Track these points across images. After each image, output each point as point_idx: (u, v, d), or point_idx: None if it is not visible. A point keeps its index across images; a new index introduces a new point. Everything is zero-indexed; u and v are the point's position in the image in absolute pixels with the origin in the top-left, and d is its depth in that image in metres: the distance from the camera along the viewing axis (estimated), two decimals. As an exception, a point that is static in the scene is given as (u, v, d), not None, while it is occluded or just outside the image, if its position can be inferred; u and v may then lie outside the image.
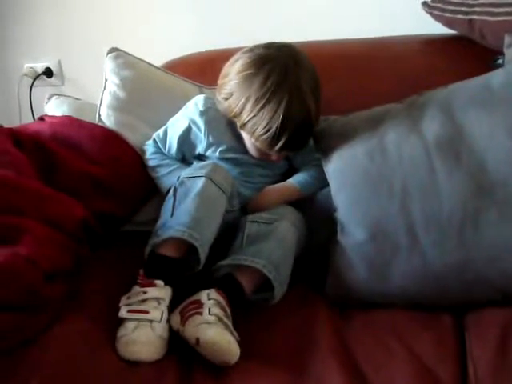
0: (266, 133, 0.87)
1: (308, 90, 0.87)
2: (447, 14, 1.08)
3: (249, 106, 0.87)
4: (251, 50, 0.91)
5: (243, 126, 0.90)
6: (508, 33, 0.97)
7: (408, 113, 0.89)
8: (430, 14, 1.12)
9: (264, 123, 0.86)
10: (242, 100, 0.88)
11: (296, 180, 0.99)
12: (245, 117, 0.88)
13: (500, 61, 0.99)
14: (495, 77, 0.87)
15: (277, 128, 0.85)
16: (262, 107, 0.86)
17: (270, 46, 0.90)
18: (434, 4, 1.11)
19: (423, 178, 0.81)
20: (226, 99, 0.92)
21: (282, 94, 0.85)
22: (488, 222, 0.77)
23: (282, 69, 0.86)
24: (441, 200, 0.79)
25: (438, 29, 1.14)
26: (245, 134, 0.93)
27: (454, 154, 0.81)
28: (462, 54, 1.10)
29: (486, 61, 1.02)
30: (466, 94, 0.87)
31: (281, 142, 0.87)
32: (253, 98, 0.86)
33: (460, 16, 1.06)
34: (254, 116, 0.87)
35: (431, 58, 1.13)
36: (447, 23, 1.10)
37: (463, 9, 1.06)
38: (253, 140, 0.91)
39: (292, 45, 0.92)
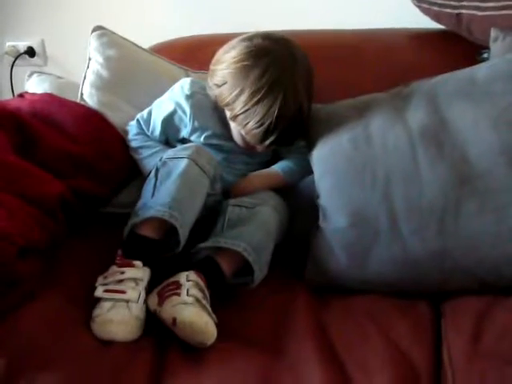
0: (257, 128, 0.85)
1: (303, 88, 0.86)
2: (435, 8, 1.09)
3: (243, 99, 0.85)
4: (250, 39, 0.89)
5: (234, 117, 0.88)
6: (494, 27, 0.98)
7: (393, 102, 0.89)
8: (419, 7, 1.13)
9: (257, 118, 0.85)
10: (236, 91, 0.86)
11: (280, 167, 0.98)
12: (238, 109, 0.87)
13: (485, 55, 1.00)
14: (480, 70, 0.88)
15: (269, 124, 0.84)
16: (257, 102, 0.84)
17: (268, 38, 0.88)
18: (422, -3, 1.12)
19: (406, 167, 0.82)
20: (219, 86, 0.90)
21: (278, 91, 0.84)
22: (468, 212, 0.78)
23: (280, 64, 0.85)
24: (422, 189, 0.80)
25: (427, 22, 1.14)
26: (234, 125, 0.91)
27: (437, 144, 0.82)
28: (449, 48, 1.11)
29: (473, 55, 1.04)
30: (451, 85, 0.88)
31: (271, 138, 0.87)
32: (248, 91, 0.85)
33: (448, 10, 1.07)
34: (248, 110, 0.85)
35: (419, 52, 1.14)
36: (435, 17, 1.11)
37: (452, 3, 1.06)
38: (242, 132, 0.89)
39: (290, 39, 0.90)
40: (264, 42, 0.88)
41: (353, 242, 0.82)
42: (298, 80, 0.86)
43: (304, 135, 0.93)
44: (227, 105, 0.89)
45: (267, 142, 0.88)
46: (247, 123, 0.86)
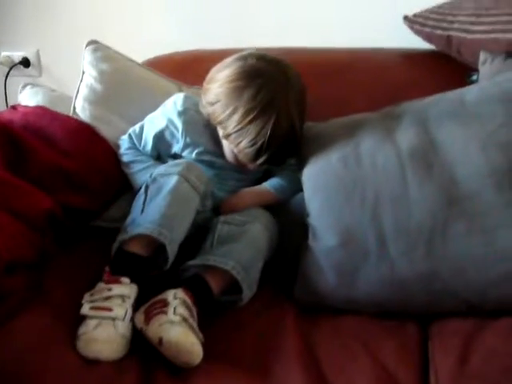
0: (250, 147, 0.86)
1: (295, 109, 0.87)
2: (427, 29, 1.11)
3: (236, 118, 0.86)
4: (244, 58, 0.89)
5: (227, 136, 0.89)
6: (483, 50, 0.99)
7: (384, 122, 0.90)
8: (411, 28, 1.14)
9: (249, 137, 0.85)
10: (229, 110, 0.87)
11: (271, 184, 0.98)
12: (230, 127, 0.87)
13: (474, 77, 1.01)
14: (469, 92, 0.89)
15: (262, 144, 0.85)
16: (250, 122, 0.85)
17: (262, 58, 0.89)
18: (415, 19, 1.14)
19: (395, 187, 0.82)
20: (212, 104, 0.90)
21: (270, 112, 0.84)
22: (456, 234, 0.78)
23: (273, 85, 0.86)
24: (411, 209, 0.80)
25: (419, 43, 1.16)
26: (226, 143, 0.92)
27: (426, 165, 0.82)
28: (440, 68, 1.12)
29: (463, 75, 1.05)
30: (440, 107, 0.89)
31: (263, 157, 0.87)
32: (241, 111, 0.85)
33: (439, 32, 1.08)
34: (241, 129, 0.86)
35: (410, 71, 1.15)
36: (427, 38, 1.12)
37: (443, 25, 1.08)
38: (235, 151, 0.90)
39: (283, 59, 0.91)
40: (258, 62, 0.88)
41: (342, 262, 0.82)
42: (290, 101, 0.86)
43: (296, 154, 0.93)
44: (220, 123, 0.90)
45: (259, 161, 0.88)
46: (240, 142, 0.87)
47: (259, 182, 1.01)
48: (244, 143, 0.86)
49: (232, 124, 0.86)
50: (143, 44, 1.40)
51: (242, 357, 0.75)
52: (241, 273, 0.81)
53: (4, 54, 1.62)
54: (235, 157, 0.92)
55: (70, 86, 1.32)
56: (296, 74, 0.90)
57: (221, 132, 0.91)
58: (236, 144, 0.88)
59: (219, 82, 0.89)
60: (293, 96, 0.87)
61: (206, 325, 0.77)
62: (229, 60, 0.91)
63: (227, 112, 0.87)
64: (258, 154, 0.87)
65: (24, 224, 0.78)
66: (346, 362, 0.72)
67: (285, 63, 0.90)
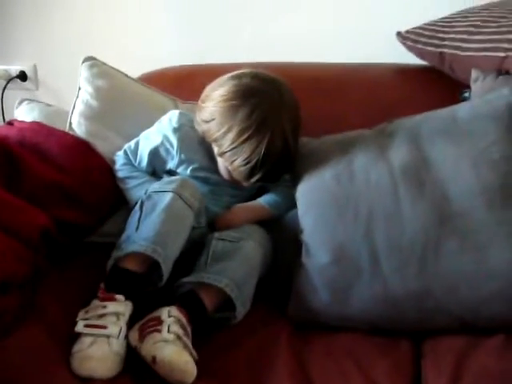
0: (244, 165, 0.87)
1: (289, 127, 0.88)
2: (419, 46, 1.12)
3: (230, 136, 0.87)
4: (238, 77, 0.90)
5: (222, 153, 0.89)
6: (475, 68, 1.01)
7: (377, 139, 0.91)
8: (404, 44, 1.16)
9: (244, 156, 0.86)
10: (224, 128, 0.87)
11: (265, 200, 0.99)
12: (225, 146, 0.88)
13: (467, 94, 1.02)
14: (461, 109, 0.90)
15: (256, 162, 0.86)
16: (244, 141, 0.85)
17: (256, 77, 0.90)
18: (407, 35, 1.15)
19: (388, 205, 0.83)
20: (207, 122, 0.91)
21: (265, 131, 0.85)
22: (448, 251, 0.79)
23: (267, 104, 0.87)
24: (404, 227, 0.81)
25: (412, 59, 1.17)
26: (221, 160, 0.92)
27: (418, 182, 0.83)
28: (433, 84, 1.13)
29: (455, 92, 1.06)
30: (433, 124, 0.90)
31: (257, 176, 0.88)
32: (235, 130, 0.86)
33: (431, 48, 1.10)
34: (235, 147, 0.86)
35: (403, 87, 1.16)
36: (419, 54, 1.14)
37: (435, 41, 1.09)
38: (230, 168, 0.91)
39: (277, 77, 0.91)
40: (252, 81, 0.89)
41: (335, 279, 0.82)
42: (285, 119, 0.87)
43: (290, 170, 0.94)
44: (215, 141, 0.91)
45: (253, 180, 0.89)
46: (234, 160, 0.88)
47: (254, 197, 1.01)
48: (238, 161, 0.87)
49: (227, 142, 0.87)
50: (138, 59, 1.41)
51: (236, 374, 0.75)
52: (234, 290, 0.82)
53: (1, 67, 1.63)
54: (230, 174, 0.93)
55: (67, 99, 1.33)
56: (290, 91, 0.91)
57: (216, 149, 0.92)
58: (230, 162, 0.89)
59: (214, 100, 0.90)
60: (287, 113, 0.88)
61: (199, 342, 0.77)
62: (223, 78, 0.92)
63: (222, 130, 0.88)
64: (252, 173, 0.87)
65: (16, 241, 0.78)
66: (338, 381, 0.72)
67: (279, 81, 0.91)
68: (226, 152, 0.88)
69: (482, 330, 0.78)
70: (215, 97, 0.90)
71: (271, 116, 0.86)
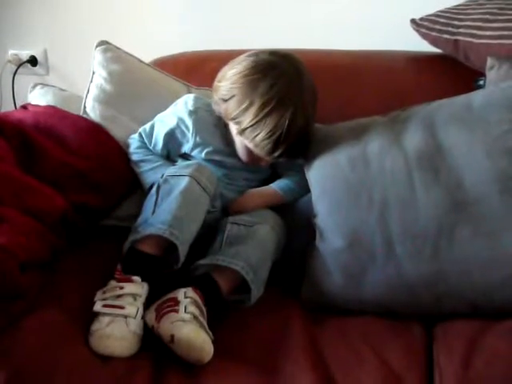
0: (267, 139, 0.86)
1: (309, 101, 0.88)
2: (434, 33, 1.12)
3: (252, 111, 0.86)
4: (256, 54, 0.91)
5: (242, 131, 0.89)
6: (490, 56, 1.00)
7: (391, 126, 0.91)
8: (418, 31, 1.15)
9: (267, 129, 0.86)
10: (245, 104, 0.87)
11: (278, 185, 0.99)
12: (246, 122, 0.87)
13: (481, 82, 1.02)
14: (476, 97, 0.90)
15: (279, 135, 0.85)
16: (267, 114, 0.85)
17: (274, 53, 0.90)
18: (421, 22, 1.15)
19: (402, 191, 0.83)
20: (225, 100, 0.91)
21: (288, 103, 0.85)
22: (462, 237, 0.80)
23: (287, 77, 0.87)
24: (418, 213, 0.82)
25: (426, 46, 1.17)
26: (239, 139, 0.92)
27: (432, 169, 0.84)
28: (446, 73, 1.13)
29: (470, 79, 1.06)
30: (447, 111, 0.90)
31: (280, 149, 0.88)
32: (257, 103, 0.86)
33: (446, 36, 1.09)
34: (257, 122, 0.86)
35: (416, 75, 1.16)
36: (433, 42, 1.13)
37: (449, 29, 1.09)
38: (251, 145, 0.90)
39: (293, 54, 0.92)
40: (270, 57, 0.90)
41: (349, 263, 0.83)
42: (305, 92, 0.88)
43: (309, 146, 0.93)
44: (234, 118, 0.90)
45: (276, 154, 0.88)
46: (256, 135, 0.87)
47: (267, 182, 1.02)
48: (261, 136, 0.86)
49: (248, 118, 0.87)
50: (150, 44, 1.41)
51: (251, 355, 0.76)
52: (250, 273, 0.83)
53: (12, 52, 1.63)
54: (249, 153, 0.93)
55: (77, 84, 1.34)
56: (306, 69, 0.91)
57: (234, 128, 0.92)
58: (252, 138, 0.88)
59: (232, 78, 0.90)
60: (306, 88, 0.89)
61: (214, 324, 0.78)
62: (240, 57, 0.93)
63: (243, 106, 0.87)
64: (275, 147, 0.87)
65: (39, 223, 0.79)
66: (353, 363, 0.73)
67: (296, 58, 0.92)
68: (247, 128, 0.88)
69: (494, 315, 0.79)
70: (233, 74, 0.90)
71: (292, 88, 0.86)
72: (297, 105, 0.86)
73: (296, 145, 0.89)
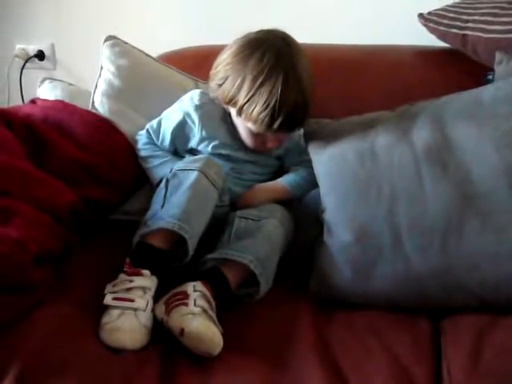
0: (263, 111, 0.87)
1: (302, 69, 0.89)
2: (442, 28, 1.11)
3: (246, 86, 0.87)
4: (243, 36, 0.93)
5: (240, 110, 0.90)
6: (499, 50, 1.00)
7: (399, 121, 0.91)
8: (425, 26, 1.15)
9: (262, 101, 0.86)
10: (238, 80, 0.88)
11: (286, 180, 1.00)
12: (242, 98, 0.88)
13: (490, 76, 1.02)
14: (485, 92, 0.90)
15: (275, 104, 0.86)
16: (260, 85, 0.86)
17: (260, 31, 0.92)
18: (429, 17, 1.14)
19: (410, 185, 0.83)
20: (220, 85, 0.92)
21: (278, 71, 0.86)
22: (470, 231, 0.80)
23: (276, 48, 0.88)
24: (426, 207, 0.82)
25: (433, 41, 1.17)
26: (240, 122, 0.93)
27: (441, 163, 0.84)
28: (454, 68, 1.13)
29: (478, 74, 1.05)
30: (456, 106, 0.90)
31: (279, 120, 0.87)
32: (249, 77, 0.87)
33: (454, 30, 1.09)
34: (253, 95, 0.87)
35: (424, 69, 1.15)
36: (441, 36, 1.13)
37: (458, 23, 1.08)
38: (250, 124, 0.91)
39: (280, 29, 0.93)
40: (257, 34, 0.92)
41: (357, 257, 0.84)
42: (296, 61, 0.89)
43: (308, 146, 0.93)
44: (231, 99, 0.91)
45: (275, 126, 0.88)
46: (253, 111, 0.88)
47: (275, 177, 1.02)
48: (257, 109, 0.87)
49: (243, 93, 0.88)
50: (155, 39, 1.41)
51: (259, 348, 0.77)
52: (258, 267, 0.83)
53: (19, 46, 1.63)
54: (252, 136, 0.93)
55: (84, 79, 1.34)
56: (296, 41, 0.92)
57: (233, 112, 0.92)
58: (249, 114, 0.89)
59: (224, 61, 0.92)
60: (297, 57, 0.89)
61: (223, 317, 0.79)
62: (229, 44, 0.94)
63: (237, 83, 0.89)
64: (272, 118, 0.87)
65: (50, 217, 0.80)
66: (362, 358, 0.74)
67: (283, 32, 0.93)
68: (243, 105, 0.88)
69: (502, 309, 0.79)
70: (225, 58, 0.92)
71: (282, 57, 0.87)
72: (287, 71, 0.87)
73: (295, 115, 0.89)
